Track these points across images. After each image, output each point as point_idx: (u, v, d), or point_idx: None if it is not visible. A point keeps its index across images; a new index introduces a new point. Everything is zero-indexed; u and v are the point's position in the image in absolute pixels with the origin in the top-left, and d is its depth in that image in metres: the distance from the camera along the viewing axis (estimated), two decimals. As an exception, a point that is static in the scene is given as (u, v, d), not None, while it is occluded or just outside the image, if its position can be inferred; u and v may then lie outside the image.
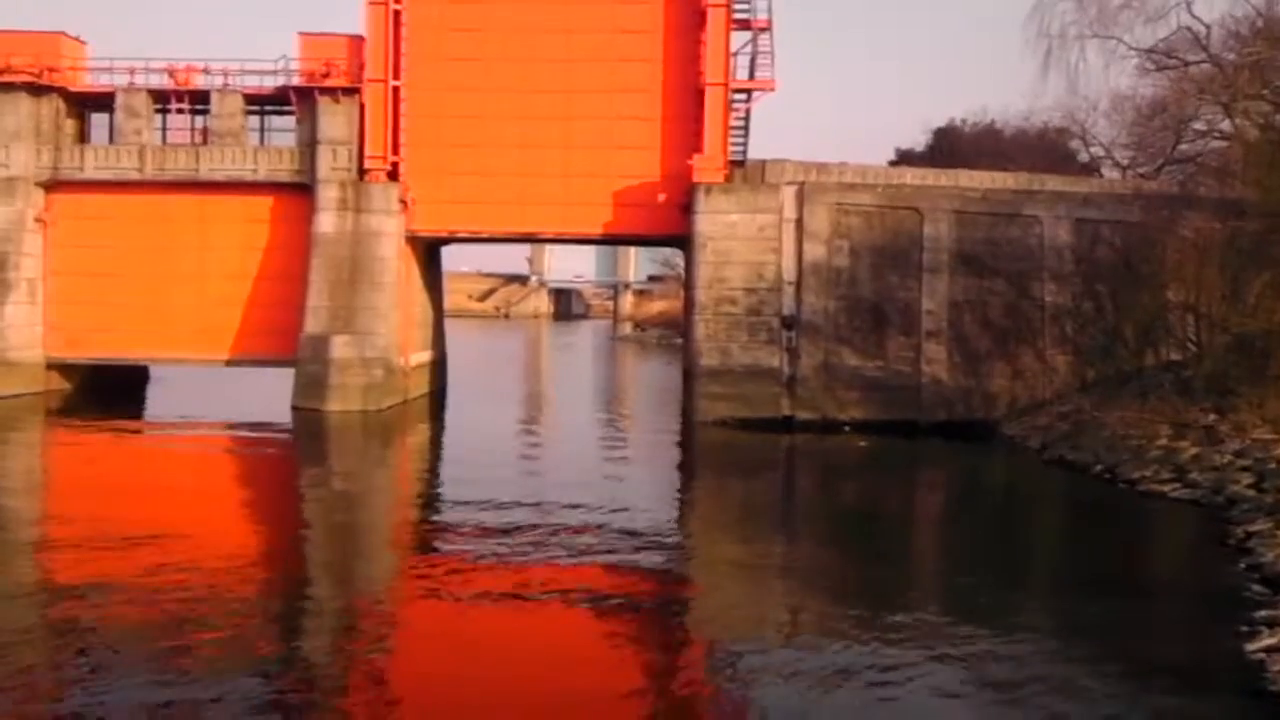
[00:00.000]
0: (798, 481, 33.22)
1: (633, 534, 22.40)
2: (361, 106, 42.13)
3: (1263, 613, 16.34)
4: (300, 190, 42.58)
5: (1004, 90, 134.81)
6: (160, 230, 43.49)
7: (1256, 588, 18.22)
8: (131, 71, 43.94)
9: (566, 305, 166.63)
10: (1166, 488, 26.81)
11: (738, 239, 39.34)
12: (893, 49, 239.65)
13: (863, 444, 36.19)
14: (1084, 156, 56.27)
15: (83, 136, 44.98)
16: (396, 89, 42.22)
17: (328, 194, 41.84)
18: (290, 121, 43.62)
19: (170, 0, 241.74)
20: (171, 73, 44.01)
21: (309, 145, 42.48)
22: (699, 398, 39.14)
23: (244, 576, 18.75)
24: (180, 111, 44.12)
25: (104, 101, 44.06)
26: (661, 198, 42.18)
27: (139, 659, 14.27)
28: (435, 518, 25.35)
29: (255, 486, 29.99)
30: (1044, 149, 55.59)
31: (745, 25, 41.52)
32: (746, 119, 42.19)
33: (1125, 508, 26.22)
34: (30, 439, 36.62)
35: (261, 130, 44.82)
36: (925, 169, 45.10)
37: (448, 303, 54.05)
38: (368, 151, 42.11)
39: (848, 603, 17.70)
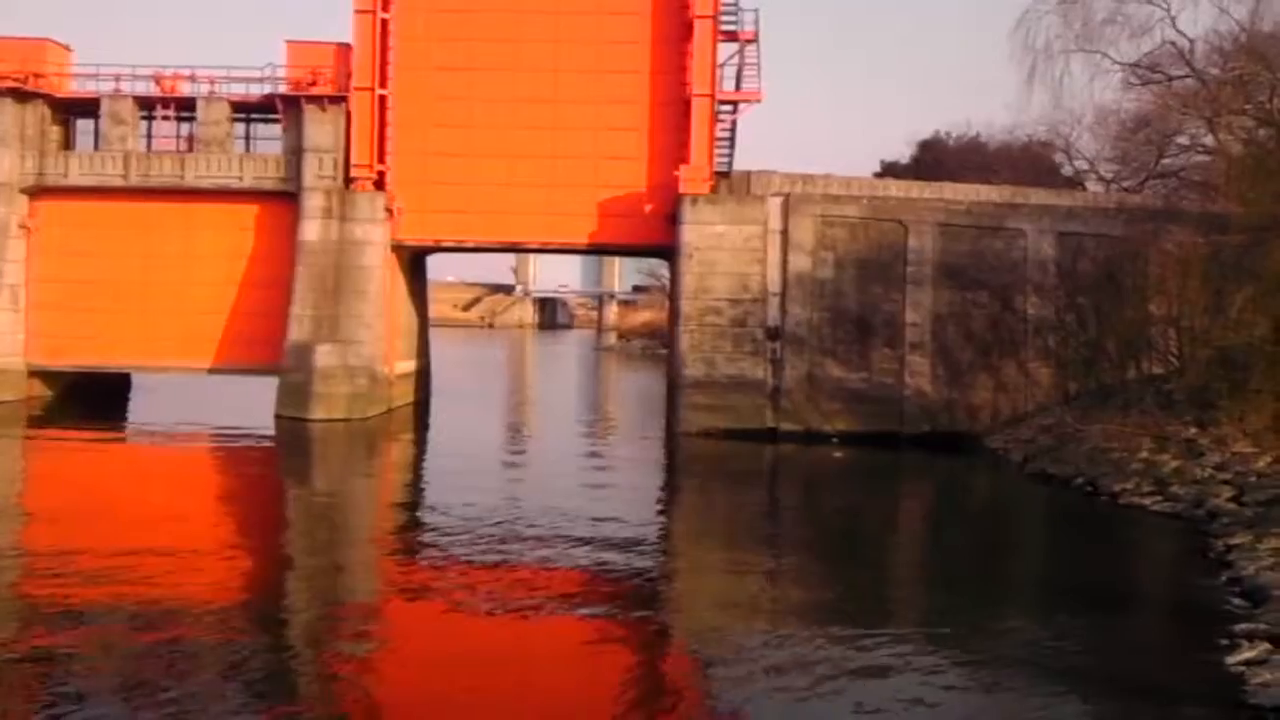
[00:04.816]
0: (781, 493, 33.21)
1: (616, 543, 22.38)
2: (348, 115, 42.10)
3: (1243, 626, 16.40)
4: (285, 198, 42.50)
5: (989, 104, 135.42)
6: (144, 237, 43.38)
7: (1237, 601, 18.28)
8: (117, 78, 43.86)
9: (551, 315, 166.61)
10: (1148, 501, 26.90)
11: (723, 250, 39.40)
12: (878, 62, 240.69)
13: (838, 455, 36.29)
14: (1068, 170, 56.54)
15: (68, 143, 44.88)
16: (383, 98, 42.22)
17: (313, 202, 41.78)
18: (276, 129, 43.61)
19: (157, 7, 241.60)
20: (157, 79, 43.95)
21: (295, 153, 42.43)
22: (683, 409, 39.14)
23: (222, 589, 18.70)
24: (166, 118, 44.05)
25: (89, 108, 43.96)
26: (647, 208, 42.26)
27: (119, 668, 14.22)
28: (418, 528, 25.20)
29: (236, 496, 29.76)
30: (1028, 162, 55.85)
31: (732, 37, 41.65)
32: (732, 130, 42.36)
33: (1107, 520, 26.28)
34: (11, 447, 36.36)
35: (247, 138, 44.76)
36: (910, 181, 45.24)
37: (432, 312, 54.01)
38: (354, 160, 42.08)
39: (829, 616, 17.69)
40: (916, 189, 41.75)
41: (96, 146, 43.77)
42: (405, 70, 42.35)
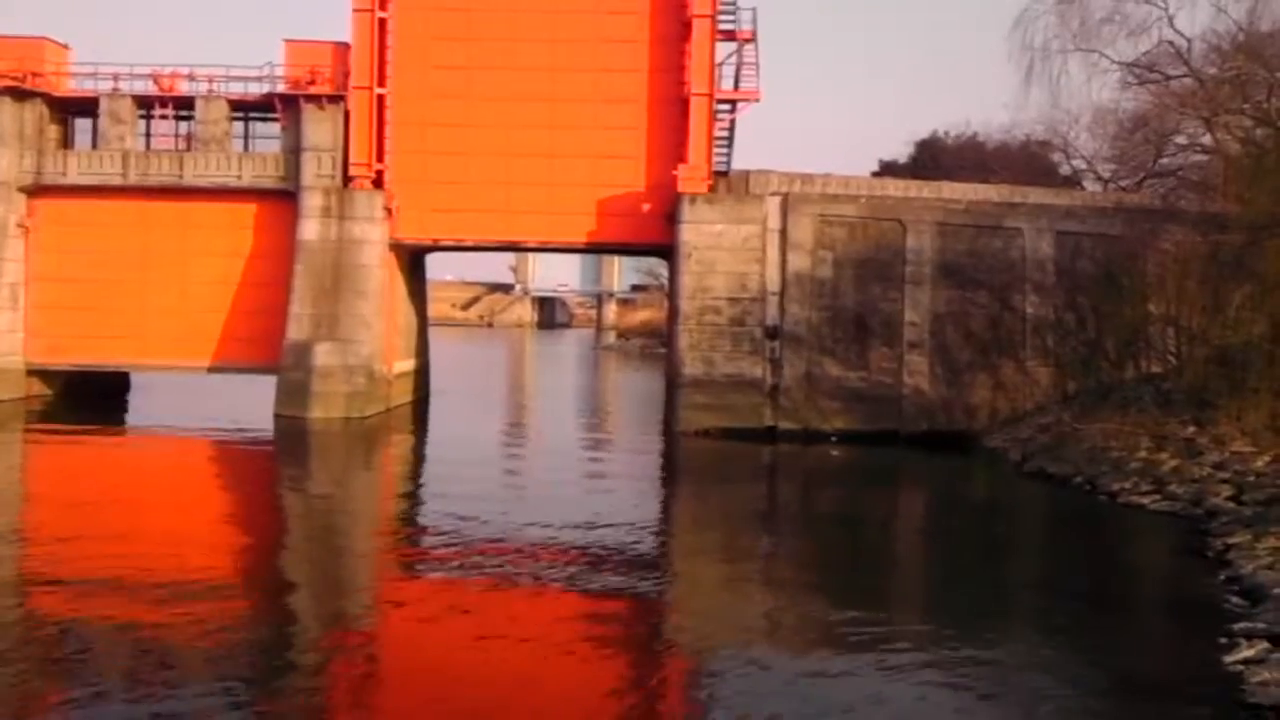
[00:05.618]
0: (779, 491, 33.24)
1: (616, 535, 22.42)
2: (346, 114, 42.08)
3: (1241, 624, 16.45)
4: (284, 197, 42.50)
5: (987, 103, 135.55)
6: (143, 236, 43.39)
7: (1235, 599, 18.32)
8: (116, 77, 43.83)
9: (550, 314, 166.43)
10: (1146, 500, 26.94)
11: (722, 249, 39.40)
12: (877, 61, 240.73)
13: (836, 454, 36.33)
14: (1066, 169, 56.59)
15: (66, 142, 44.86)
16: (382, 97, 42.21)
17: (312, 201, 41.77)
18: (275, 128, 43.59)
19: (156, 7, 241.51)
20: (156, 78, 43.93)
21: (293, 152, 42.41)
22: (682, 408, 39.14)
23: (222, 575, 18.73)
24: (164, 117, 44.02)
25: (88, 107, 43.93)
26: (646, 207, 42.25)
27: (116, 667, 14.23)
28: (415, 529, 25.22)
29: (235, 490, 29.89)
30: (1026, 161, 55.89)
31: (730, 36, 41.66)
32: (731, 129, 42.35)
33: (1105, 519, 26.31)
34: (11, 446, 36.37)
35: (246, 137, 44.73)
36: (908, 180, 45.22)
37: (431, 311, 54.01)
38: (352, 159, 42.06)
39: (829, 619, 17.69)
40: (915, 188, 41.76)
41: (95, 145, 43.73)
42: (404, 69, 42.34)
